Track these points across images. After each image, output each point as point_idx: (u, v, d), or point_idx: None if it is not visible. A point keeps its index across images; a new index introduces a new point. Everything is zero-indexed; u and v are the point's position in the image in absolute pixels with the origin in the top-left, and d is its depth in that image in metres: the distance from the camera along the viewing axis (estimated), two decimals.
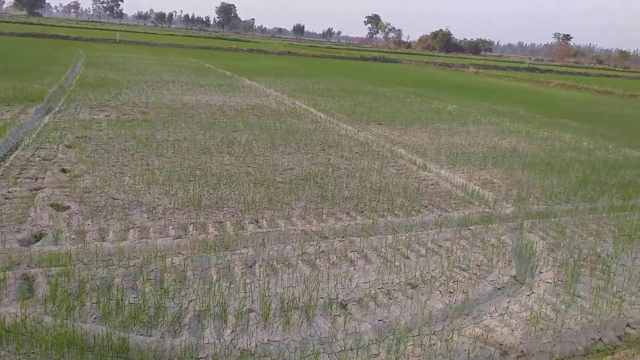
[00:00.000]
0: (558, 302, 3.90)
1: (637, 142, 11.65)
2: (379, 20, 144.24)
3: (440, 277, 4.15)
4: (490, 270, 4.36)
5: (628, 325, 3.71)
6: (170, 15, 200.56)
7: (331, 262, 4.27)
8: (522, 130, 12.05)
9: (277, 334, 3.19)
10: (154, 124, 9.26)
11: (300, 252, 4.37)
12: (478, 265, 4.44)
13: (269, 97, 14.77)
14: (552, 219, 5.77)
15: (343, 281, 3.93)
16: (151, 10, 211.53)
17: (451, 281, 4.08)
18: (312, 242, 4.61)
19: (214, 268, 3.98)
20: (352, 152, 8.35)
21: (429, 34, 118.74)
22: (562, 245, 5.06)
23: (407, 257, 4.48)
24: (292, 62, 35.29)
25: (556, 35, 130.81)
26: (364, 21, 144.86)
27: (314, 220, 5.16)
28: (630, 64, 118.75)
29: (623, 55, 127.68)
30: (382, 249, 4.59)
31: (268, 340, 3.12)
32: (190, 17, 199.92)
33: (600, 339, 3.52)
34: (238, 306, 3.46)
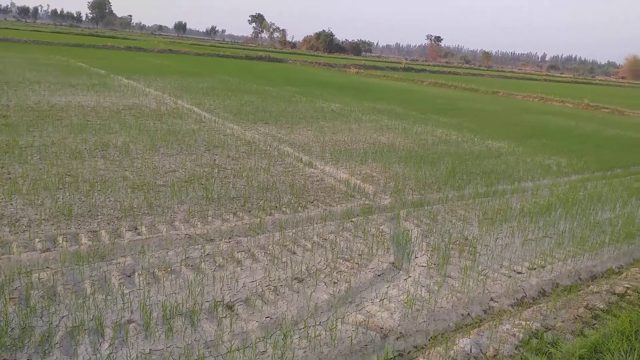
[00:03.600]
0: (432, 283, 4.22)
1: (498, 134, 12.97)
2: (263, 19, 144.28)
3: (325, 269, 4.27)
4: (371, 259, 4.59)
5: (492, 299, 4.13)
6: (36, 9, 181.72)
7: (217, 264, 4.19)
8: (398, 126, 12.82)
9: (160, 342, 3.07)
10: (16, 129, 8.36)
11: (183, 257, 4.24)
12: (360, 255, 4.65)
13: (149, 96, 14.07)
14: (426, 207, 6.23)
15: (229, 282, 3.89)
16: (12, 4, 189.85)
17: (335, 272, 4.23)
18: (196, 246, 4.49)
19: (87, 281, 3.70)
20: (239, 152, 8.27)
21: (312, 34, 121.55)
22: (434, 231, 5.49)
23: (294, 253, 4.56)
24: (174, 61, 33.96)
25: (429, 37, 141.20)
26: (248, 20, 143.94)
27: (198, 223, 5.03)
28: (493, 64, 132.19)
29: (487, 55, 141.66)
30: (270, 247, 4.61)
31: (150, 350, 2.98)
32: (58, 13, 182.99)
33: (468, 314, 3.88)
34: (116, 318, 3.26)
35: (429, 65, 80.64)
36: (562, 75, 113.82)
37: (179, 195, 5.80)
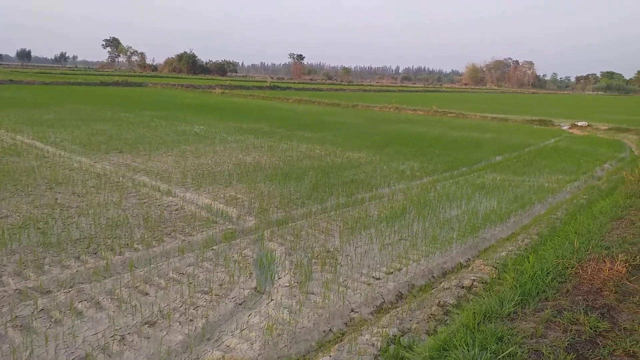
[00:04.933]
0: (294, 303, 4.15)
1: (358, 145, 13.59)
2: (119, 43, 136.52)
3: (180, 307, 3.98)
4: (233, 287, 4.40)
5: (352, 310, 4.18)
6: None
7: (53, 320, 3.68)
8: (264, 145, 12.82)
9: None
10: None
11: (10, 318, 3.65)
12: (221, 285, 4.44)
13: None
14: (290, 225, 6.21)
15: (66, 339, 3.42)
16: None
17: (192, 308, 3.96)
18: (28, 302, 3.91)
19: None
20: (86, 187, 7.54)
21: (174, 56, 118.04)
22: (298, 247, 5.47)
23: (146, 294, 4.19)
24: (15, 92, 30.47)
25: (291, 55, 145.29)
26: (102, 45, 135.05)
27: (31, 274, 4.41)
28: (353, 78, 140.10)
29: (346, 71, 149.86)
30: (117, 291, 4.19)
31: None
32: None
33: (330, 329, 3.87)
34: None
35: (294, 82, 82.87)
36: (415, 85, 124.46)
37: (9, 244, 5.06)
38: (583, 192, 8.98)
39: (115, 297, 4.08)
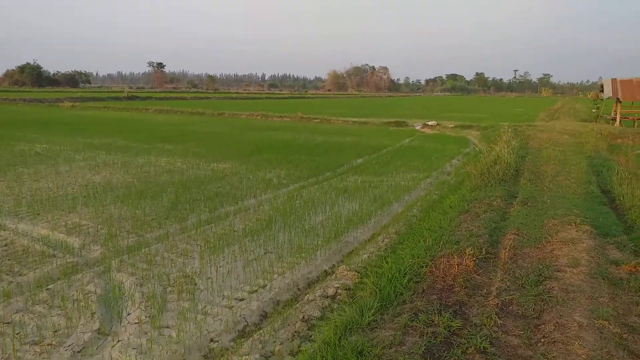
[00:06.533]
0: (144, 342, 3.70)
1: (223, 155, 13.15)
2: None
3: None
4: (70, 333, 3.80)
5: (212, 340, 3.84)
6: None
7: None
8: (118, 161, 11.79)
9: None
10: None
11: None
12: (55, 332, 3.81)
13: None
14: (143, 250, 5.65)
15: None
16: None
17: None
18: None
19: None
20: None
21: (15, 68, 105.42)
22: (152, 276, 4.97)
23: None
24: None
25: (150, 63, 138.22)
26: None
27: None
28: (219, 86, 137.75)
29: (211, 79, 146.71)
30: None
31: None
32: None
33: None
34: None
35: (155, 92, 78.84)
36: (281, 92, 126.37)
37: None
38: (435, 188, 9.64)
39: None
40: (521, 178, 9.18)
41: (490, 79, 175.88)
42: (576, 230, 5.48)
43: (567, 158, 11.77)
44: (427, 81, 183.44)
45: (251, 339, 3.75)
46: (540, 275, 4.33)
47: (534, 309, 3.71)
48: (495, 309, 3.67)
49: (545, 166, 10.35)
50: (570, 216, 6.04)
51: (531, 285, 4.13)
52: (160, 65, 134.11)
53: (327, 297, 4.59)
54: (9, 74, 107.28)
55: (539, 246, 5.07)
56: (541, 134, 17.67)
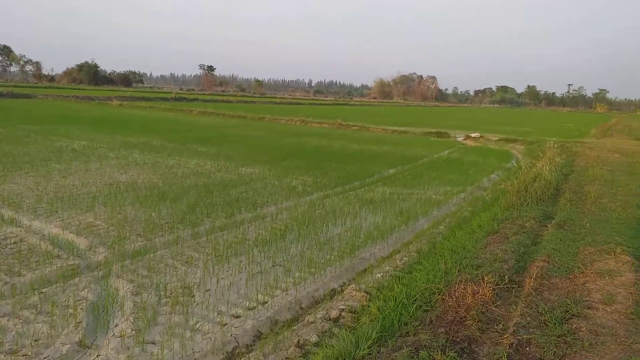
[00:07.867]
0: (123, 358, 3.46)
1: (254, 159, 12.99)
2: (11, 51, 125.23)
3: None
4: (50, 343, 3.61)
5: None
6: None
7: None
8: (149, 161, 11.83)
9: None
10: None
11: None
12: (35, 341, 3.63)
13: None
14: (148, 256, 5.46)
15: None
16: None
17: None
18: None
19: None
20: None
21: (74, 66, 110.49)
22: (150, 284, 4.75)
23: None
24: None
25: (201, 66, 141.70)
26: None
27: None
28: (266, 91, 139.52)
29: (259, 83, 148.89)
30: None
31: None
32: None
33: None
34: None
35: (202, 94, 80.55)
36: (326, 98, 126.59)
37: None
38: (468, 204, 9.08)
39: None
40: (561, 198, 8.49)
41: (543, 92, 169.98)
42: (615, 261, 4.88)
43: (615, 178, 10.89)
44: (476, 92, 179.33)
45: None
46: (567, 311, 3.81)
47: (554, 352, 3.22)
48: (509, 349, 3.21)
49: (590, 186, 9.57)
50: (610, 244, 5.42)
51: (555, 323, 3.62)
52: (211, 68, 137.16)
53: (329, 320, 4.22)
54: (68, 72, 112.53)
55: (570, 277, 4.52)
56: (590, 152, 16.61)
